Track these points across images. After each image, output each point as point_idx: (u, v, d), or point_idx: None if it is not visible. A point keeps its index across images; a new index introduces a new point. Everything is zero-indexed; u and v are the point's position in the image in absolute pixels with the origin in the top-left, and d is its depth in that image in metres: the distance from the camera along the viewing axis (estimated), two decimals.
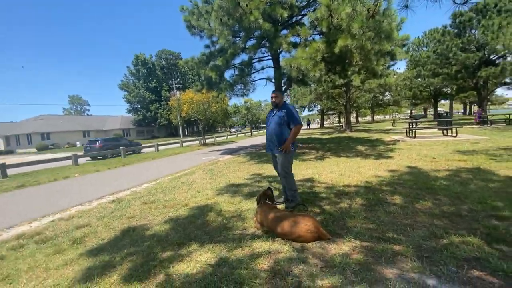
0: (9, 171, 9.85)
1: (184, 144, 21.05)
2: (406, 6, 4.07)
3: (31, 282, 2.24)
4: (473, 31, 19.13)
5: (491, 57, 19.02)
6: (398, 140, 11.43)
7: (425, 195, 3.68)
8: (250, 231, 2.91)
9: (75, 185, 6.81)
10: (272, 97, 3.58)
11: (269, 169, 6.67)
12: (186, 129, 51.54)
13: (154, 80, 46.38)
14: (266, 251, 2.42)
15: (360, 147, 10.01)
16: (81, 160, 13.10)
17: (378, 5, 6.23)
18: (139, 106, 46.62)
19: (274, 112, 3.60)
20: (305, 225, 2.51)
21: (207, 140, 22.31)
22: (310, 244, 2.48)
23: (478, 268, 1.92)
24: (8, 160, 18.33)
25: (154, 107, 45.41)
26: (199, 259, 2.38)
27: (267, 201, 3.11)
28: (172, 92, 43.07)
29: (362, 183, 4.61)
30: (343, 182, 4.80)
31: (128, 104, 47.80)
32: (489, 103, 48.91)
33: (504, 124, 16.61)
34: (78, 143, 37.80)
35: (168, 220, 3.49)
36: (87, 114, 73.44)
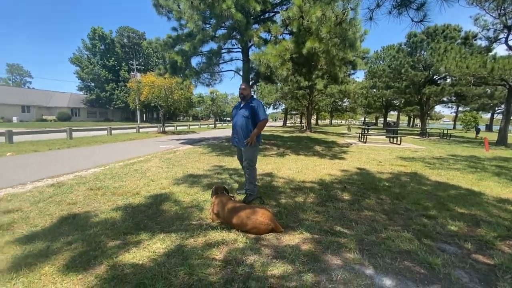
0: None
1: (141, 130, 19.78)
2: (371, 18, 4.34)
3: None
4: (422, 52, 21.39)
5: (434, 77, 21.53)
6: (351, 144, 12.33)
7: (370, 194, 4.03)
8: (205, 222, 2.86)
9: (7, 166, 5.93)
10: (240, 89, 3.56)
11: (230, 162, 6.63)
12: (144, 115, 48.46)
13: (113, 58, 42.49)
14: (220, 241, 2.40)
15: (317, 147, 10.55)
16: (17, 138, 11.43)
17: (346, 13, 6.56)
18: (93, 84, 42.30)
19: (241, 104, 3.59)
20: (260, 217, 2.55)
21: (167, 128, 21.29)
22: (264, 235, 2.53)
23: (408, 260, 2.16)
24: None
25: (110, 88, 41.70)
26: (148, 249, 2.26)
27: (224, 192, 3.09)
28: (132, 73, 39.95)
29: (316, 180, 4.86)
30: (299, 178, 5.00)
31: (79, 81, 43.01)
32: (429, 118, 55.58)
33: (439, 137, 19.05)
34: (15, 119, 33.03)
35: (116, 208, 3.24)
36: (29, 87, 64.24)
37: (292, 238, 2.51)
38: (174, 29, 10.08)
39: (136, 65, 41.43)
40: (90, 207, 3.29)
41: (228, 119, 51.95)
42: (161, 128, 19.52)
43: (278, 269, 1.98)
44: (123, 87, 41.32)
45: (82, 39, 41.99)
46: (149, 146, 10.74)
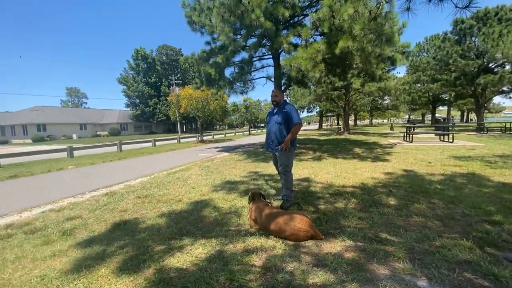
0: (2, 161, 9.75)
1: (181, 140, 20.95)
2: (408, 9, 4.05)
3: (16, 272, 2.20)
4: (473, 38, 19.20)
5: (490, 65, 19.11)
6: (395, 144, 11.47)
7: (419, 198, 3.68)
8: (244, 228, 2.89)
9: (69, 177, 6.74)
10: (272, 96, 3.58)
11: (265, 168, 6.65)
12: (184, 126, 51.38)
13: (154, 75, 46.10)
14: (259, 247, 2.40)
15: (357, 149, 10.03)
16: (76, 153, 12.98)
17: (380, 7, 6.24)
18: (138, 100, 46.33)
19: (275, 110, 3.61)
20: (299, 224, 2.49)
21: (205, 137, 22.24)
22: (303, 242, 2.47)
23: (469, 272, 1.92)
24: (2, 150, 18.15)
25: (153, 102, 45.16)
26: (190, 253, 2.36)
27: (261, 198, 3.09)
28: (172, 88, 42.85)
29: (357, 184, 4.61)
30: (338, 182, 4.80)
31: (126, 99, 47.47)
32: (486, 111, 49.32)
33: (500, 132, 16.74)
34: (74, 136, 37.52)
35: (161, 214, 3.46)
36: (85, 107, 72.90)
37: (333, 246, 2.40)
38: (208, 43, 10.59)
39: (175, 80, 44.37)
40: (139, 214, 3.56)
41: (262, 125, 52.32)
42: (199, 138, 20.46)
43: (319, 277, 1.90)
44: (164, 101, 44.46)
45: (127, 60, 46.54)
46: (189, 155, 11.31)
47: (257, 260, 2.19)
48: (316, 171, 5.94)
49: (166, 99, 44.99)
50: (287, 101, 3.72)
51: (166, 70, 49.55)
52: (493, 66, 19.23)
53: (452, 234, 2.53)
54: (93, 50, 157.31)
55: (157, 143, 18.34)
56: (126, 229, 3.02)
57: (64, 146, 13.03)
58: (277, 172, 3.94)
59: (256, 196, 3.11)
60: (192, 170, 6.92)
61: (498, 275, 1.83)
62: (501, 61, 18.00)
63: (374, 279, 1.87)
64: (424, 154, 8.06)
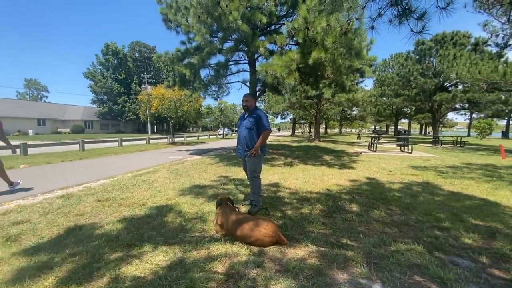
0: None
1: (151, 141, 20.11)
2: (372, 27, 4.36)
3: None
4: (431, 59, 21.14)
5: (445, 84, 21.15)
6: (361, 153, 12.12)
7: (379, 205, 3.91)
8: (209, 234, 2.83)
9: (19, 178, 6.10)
10: (243, 101, 3.60)
11: (236, 172, 6.62)
12: (155, 126, 49.48)
13: (124, 71, 43.99)
14: (223, 254, 2.36)
15: (326, 157, 10.42)
16: (32, 150, 11.83)
17: (351, 23, 6.60)
18: (106, 97, 43.78)
19: (246, 115, 3.61)
20: (264, 229, 2.50)
21: (176, 139, 21.59)
22: (268, 248, 2.48)
23: (418, 275, 2.06)
24: None
25: (122, 100, 42.96)
26: (150, 261, 2.24)
27: (229, 203, 3.06)
28: (143, 86, 41.19)
29: (324, 191, 4.77)
30: (306, 188, 4.92)
31: (93, 95, 44.63)
32: (441, 125, 54.25)
33: (452, 145, 18.49)
34: (30, 132, 34.28)
35: (122, 219, 3.26)
36: (45, 101, 67.04)
37: (297, 251, 2.44)
38: (183, 43, 10.37)
39: (147, 78, 42.71)
40: (97, 218, 3.32)
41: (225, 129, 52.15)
42: (170, 139, 19.81)
43: (281, 283, 1.92)
44: (134, 100, 42.47)
45: (96, 55, 43.86)
46: (158, 157, 10.88)
47: (220, 267, 2.15)
48: (286, 177, 6.04)
49: (137, 98, 43.02)
50: (258, 107, 3.75)
51: (138, 68, 47.56)
52: (447, 85, 21.30)
53: (405, 239, 2.71)
54: (57, 43, 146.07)
55: (124, 143, 17.39)
56: (81, 235, 2.80)
57: (17, 143, 11.80)
58: (246, 177, 3.94)
59: (223, 201, 3.08)
60: (160, 172, 6.66)
61: (444, 277, 1.99)
62: (454, 81, 19.99)
63: (333, 283, 1.93)
64: (386, 163, 8.61)
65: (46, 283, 1.93)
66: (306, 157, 10.08)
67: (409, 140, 13.51)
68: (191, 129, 65.08)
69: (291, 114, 37.89)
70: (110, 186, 5.08)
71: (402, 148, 13.00)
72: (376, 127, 62.85)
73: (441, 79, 20.67)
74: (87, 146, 14.21)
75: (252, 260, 2.25)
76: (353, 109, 36.91)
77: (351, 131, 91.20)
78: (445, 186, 5.23)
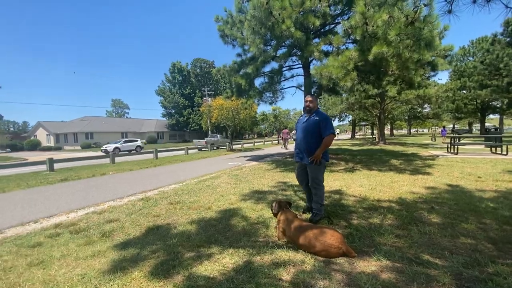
0: (56, 166, 10.88)
1: (212, 149, 21.59)
2: (449, 11, 3.78)
3: (61, 269, 2.38)
4: None
5: None
6: (438, 156, 10.55)
7: (467, 217, 3.31)
8: (271, 240, 2.83)
9: (110, 182, 7.28)
10: (306, 101, 3.38)
11: (294, 178, 6.48)
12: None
13: (188, 87, 48.65)
14: (287, 261, 2.33)
15: (394, 161, 9.41)
16: (118, 159, 14.04)
17: (418, 11, 5.92)
18: (173, 111, 49.12)
19: (306, 118, 3.41)
20: (330, 239, 2.37)
21: (234, 146, 22.64)
22: (334, 259, 2.34)
23: None
24: (56, 155, 20.28)
25: (187, 113, 47.48)
26: (218, 262, 2.36)
27: (288, 207, 3.02)
28: (204, 98, 44.69)
29: (394, 199, 4.30)
30: (373, 196, 4.52)
31: (163, 109, 50.63)
32: None
33: None
34: None
35: (191, 221, 3.54)
36: (127, 117, 79.07)
37: (367, 265, 2.24)
38: (239, 55, 10.92)
39: (208, 91, 46.26)
40: (170, 220, 3.69)
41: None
42: (229, 146, 20.89)
43: None
44: (197, 112, 46.47)
45: (165, 73, 49.79)
46: (219, 163, 11.57)
47: (285, 275, 2.12)
48: (349, 183, 5.67)
49: (199, 109, 46.91)
50: (320, 109, 3.51)
51: (199, 82, 51.97)
52: None
53: (507, 260, 2.21)
54: (135, 64, 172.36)
55: (189, 151, 19.11)
56: (159, 234, 3.14)
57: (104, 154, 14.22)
58: (302, 185, 3.75)
59: (283, 205, 3.04)
60: (222, 178, 7.05)
61: None
62: None
63: None
64: (473, 167, 7.29)
65: (133, 275, 2.21)
66: (370, 162, 9.29)
67: (503, 139, 11.16)
68: (246, 136, 67.44)
69: (350, 116, 35.76)
70: (180, 191, 5.60)
71: (494, 149, 10.83)
72: (455, 126, 54.13)
73: None
74: (159, 154, 16.11)
75: (318, 270, 2.15)
76: (425, 106, 32.63)
77: (423, 131, 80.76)
78: None
